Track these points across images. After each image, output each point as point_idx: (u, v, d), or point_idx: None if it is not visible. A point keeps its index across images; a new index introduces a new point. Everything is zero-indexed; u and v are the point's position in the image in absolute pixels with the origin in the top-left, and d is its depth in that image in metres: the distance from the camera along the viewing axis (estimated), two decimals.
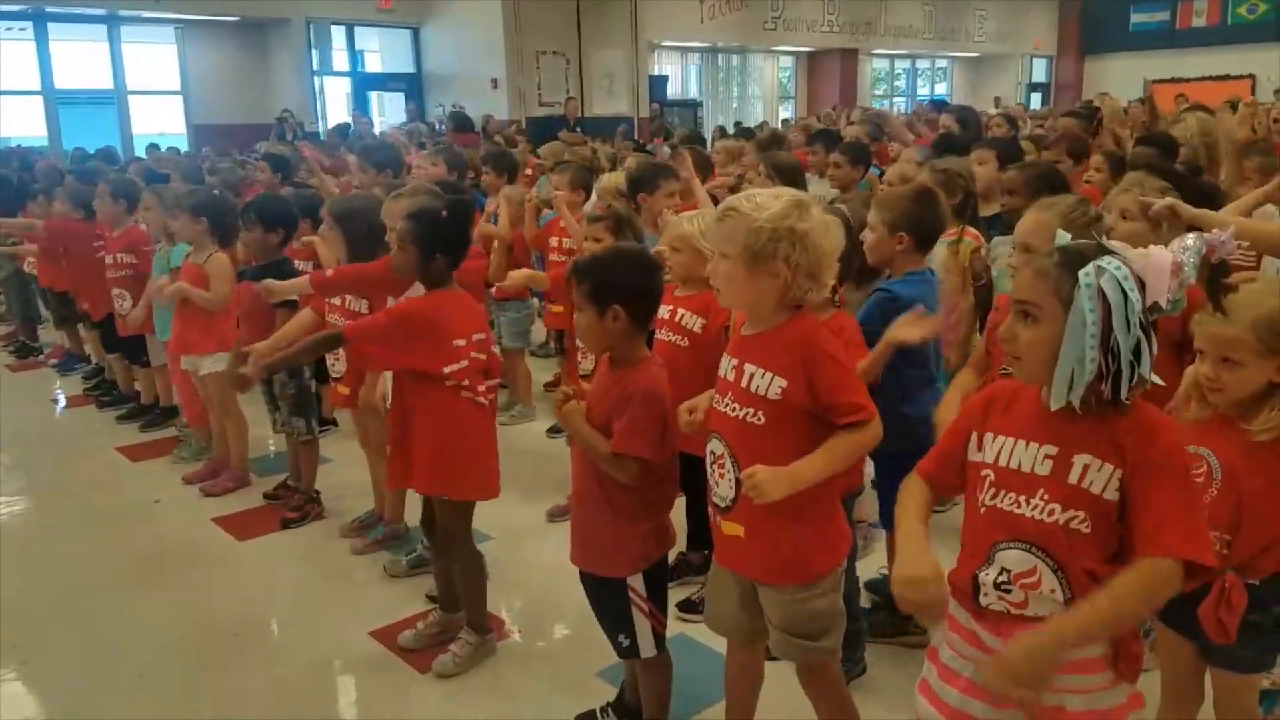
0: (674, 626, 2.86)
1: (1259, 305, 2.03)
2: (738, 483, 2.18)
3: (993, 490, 1.80)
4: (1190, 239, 1.75)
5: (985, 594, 1.80)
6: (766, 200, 2.11)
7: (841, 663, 2.81)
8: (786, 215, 2.07)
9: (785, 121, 16.13)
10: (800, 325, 2.15)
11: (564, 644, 3.40)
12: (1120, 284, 1.63)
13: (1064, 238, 1.81)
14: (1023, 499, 1.75)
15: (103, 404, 6.29)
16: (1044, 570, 1.73)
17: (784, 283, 2.09)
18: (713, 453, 2.26)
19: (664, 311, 3.35)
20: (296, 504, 4.44)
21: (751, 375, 2.16)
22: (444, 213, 3.08)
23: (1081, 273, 1.65)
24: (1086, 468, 1.69)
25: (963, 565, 1.86)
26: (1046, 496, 1.72)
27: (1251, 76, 21.11)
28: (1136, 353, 1.64)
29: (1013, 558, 1.76)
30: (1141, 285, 1.65)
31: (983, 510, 1.81)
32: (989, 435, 1.83)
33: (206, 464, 5.01)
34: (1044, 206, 2.73)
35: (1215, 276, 1.92)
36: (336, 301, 3.95)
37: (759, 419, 2.15)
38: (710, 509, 2.32)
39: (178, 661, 3.37)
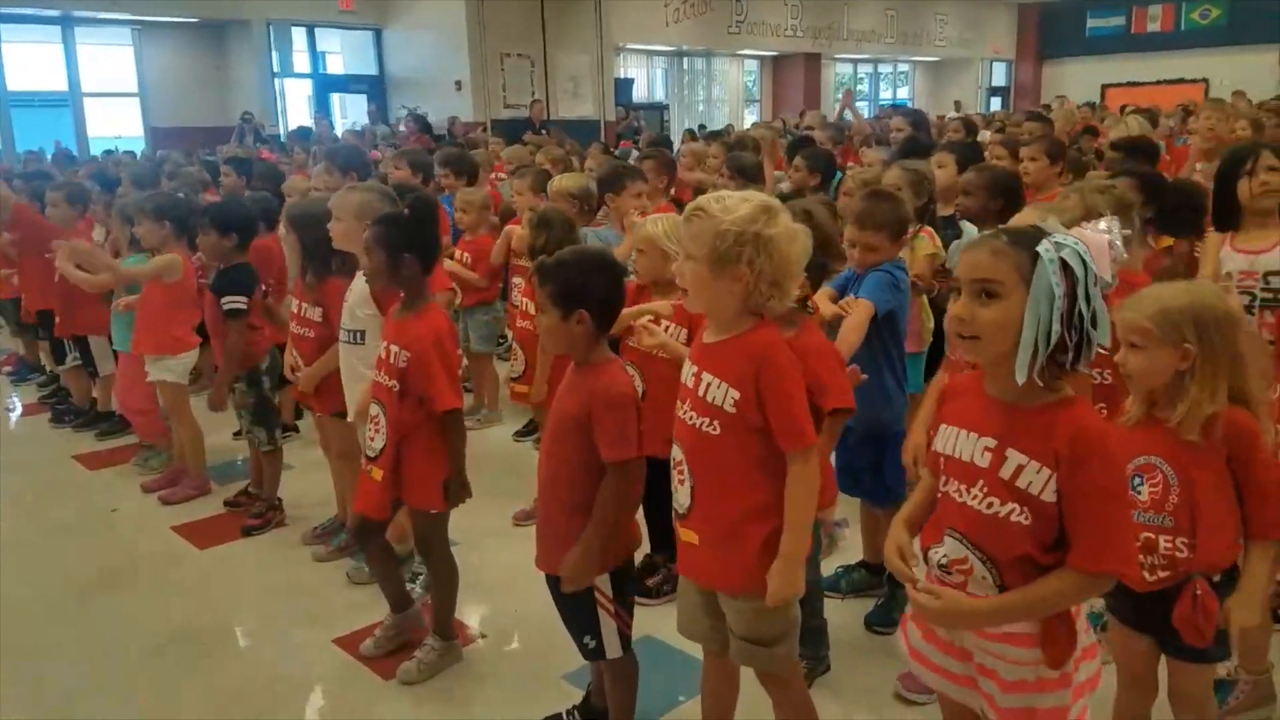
0: (640, 628, 2.86)
1: (1160, 298, 2.13)
2: (692, 491, 2.21)
3: (945, 477, 1.89)
4: (1103, 222, 1.82)
5: (937, 572, 1.90)
6: (735, 203, 2.09)
7: (805, 660, 2.84)
8: (754, 219, 2.06)
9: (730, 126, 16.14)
10: (759, 336, 2.13)
11: (530, 647, 3.38)
12: (1081, 256, 1.69)
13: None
14: (964, 488, 1.84)
15: (57, 412, 6.17)
16: (974, 560, 1.83)
17: (746, 287, 2.08)
18: (674, 458, 2.27)
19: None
20: (258, 511, 4.39)
21: (709, 385, 2.15)
22: (406, 211, 3.06)
23: (1041, 248, 1.69)
24: (1021, 468, 1.76)
25: (925, 536, 1.96)
26: (985, 489, 1.80)
27: (1205, 80, 21.54)
28: (1095, 323, 1.71)
29: (951, 545, 1.87)
30: None
31: (940, 495, 1.91)
32: (942, 425, 1.92)
33: (166, 472, 4.94)
34: (1042, 209, 2.75)
35: None
36: (293, 309, 3.92)
37: (714, 429, 2.15)
38: (673, 514, 2.33)
39: (135, 672, 3.32)
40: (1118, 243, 1.75)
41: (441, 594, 3.24)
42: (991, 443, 1.79)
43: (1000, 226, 1.84)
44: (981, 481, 1.80)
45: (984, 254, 1.76)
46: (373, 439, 3.10)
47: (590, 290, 2.43)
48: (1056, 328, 1.68)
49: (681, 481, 2.24)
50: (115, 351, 5.25)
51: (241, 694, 3.17)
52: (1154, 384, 2.14)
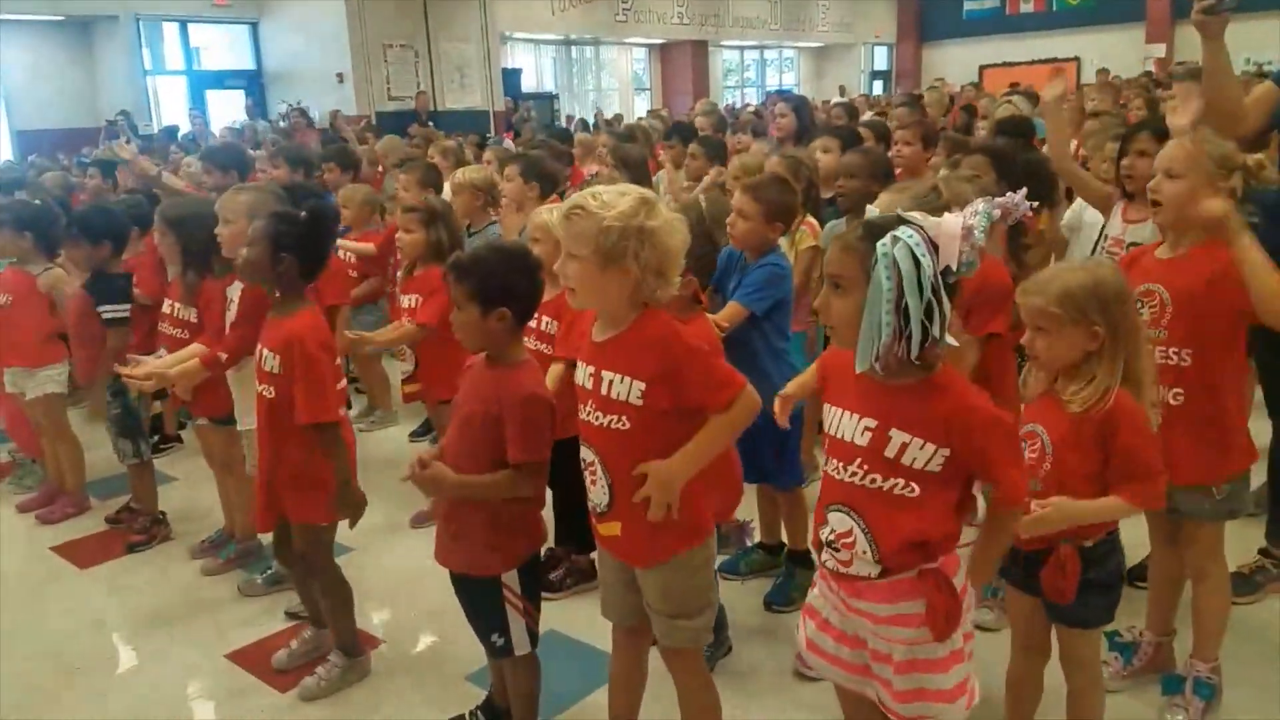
0: (545, 622, 2.83)
1: (1060, 279, 2.18)
2: (610, 487, 2.20)
3: (825, 457, 1.97)
4: (980, 204, 1.85)
5: (824, 552, 1.97)
6: (614, 198, 2.09)
7: (706, 647, 2.86)
8: (635, 213, 2.06)
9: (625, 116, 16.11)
10: (651, 324, 2.14)
11: (431, 650, 3.34)
12: (912, 251, 1.75)
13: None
14: (842, 465, 1.92)
15: None
16: (857, 532, 1.90)
17: (634, 281, 2.09)
18: (585, 460, 2.27)
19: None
20: (141, 527, 4.22)
21: (610, 382, 2.15)
22: (304, 214, 2.97)
23: (879, 244, 1.77)
24: (905, 445, 1.84)
25: (814, 524, 2.03)
26: (866, 466, 1.88)
27: (1076, 59, 22.40)
28: (929, 315, 1.75)
29: (836, 519, 1.94)
30: (936, 250, 1.77)
31: (822, 475, 2.00)
32: (827, 405, 1.99)
33: (42, 490, 4.72)
34: (899, 189, 2.79)
35: (1014, 236, 2.05)
36: (165, 310, 3.81)
37: (624, 424, 2.14)
38: (590, 512, 2.32)
39: (13, 698, 3.15)
40: (978, 230, 1.79)
41: (336, 611, 3.14)
42: (872, 423, 1.87)
43: (864, 219, 1.91)
44: (860, 459, 1.88)
45: (836, 249, 1.89)
46: (258, 448, 3.02)
47: (511, 287, 2.40)
48: (888, 319, 1.75)
49: (594, 482, 2.24)
50: None
51: (130, 716, 3.05)
52: (1062, 365, 2.20)
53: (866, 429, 1.87)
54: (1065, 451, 2.17)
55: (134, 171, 5.99)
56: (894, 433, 1.84)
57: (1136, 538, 3.07)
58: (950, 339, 1.80)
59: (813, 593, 2.11)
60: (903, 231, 1.77)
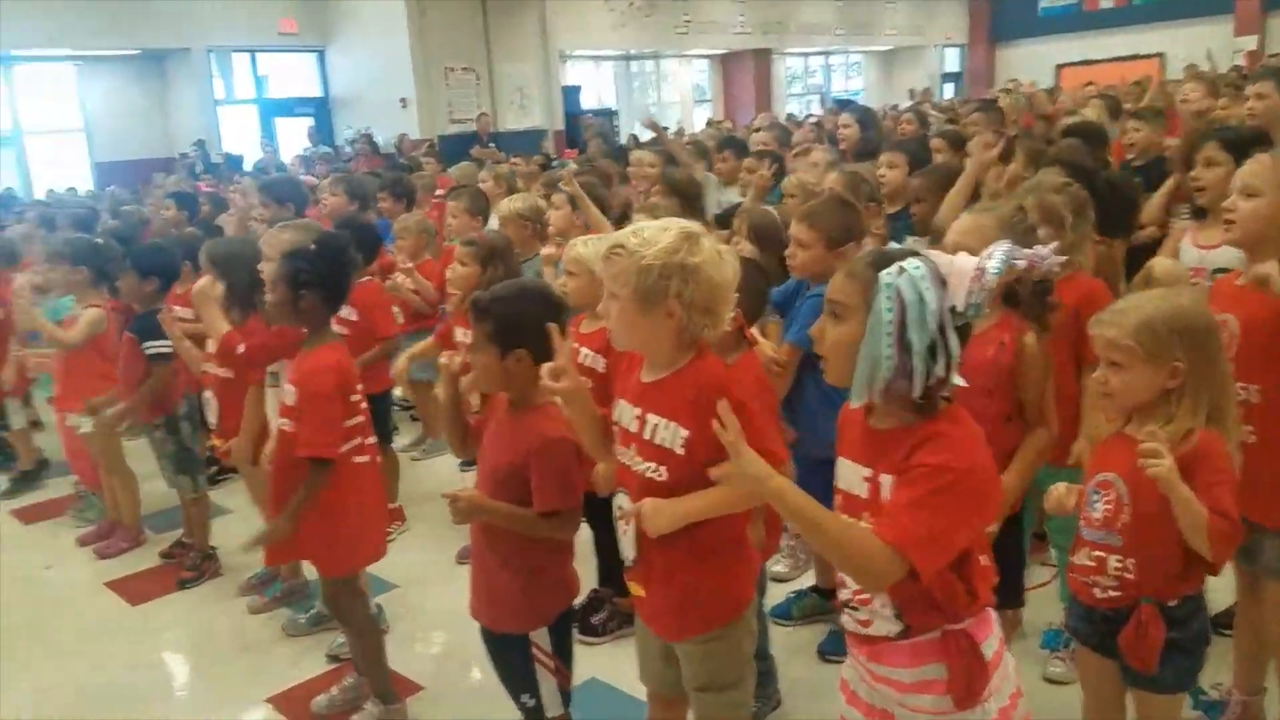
0: (585, 670, 2.72)
1: (1141, 310, 2.01)
2: (637, 540, 2.08)
3: (839, 513, 1.81)
4: (1002, 248, 1.70)
5: (844, 615, 1.85)
6: (654, 234, 1.96)
7: (755, 699, 2.72)
8: (676, 250, 1.93)
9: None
10: (704, 368, 2.01)
11: (472, 695, 3.22)
12: (916, 284, 1.62)
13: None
14: (854, 521, 1.75)
15: None
16: None
17: (679, 321, 1.96)
18: (620, 507, 2.14)
19: None
20: (192, 563, 4.23)
21: (655, 426, 2.03)
22: (313, 245, 2.93)
23: (883, 273, 1.64)
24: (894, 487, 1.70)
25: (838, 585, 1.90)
26: (870, 520, 1.71)
27: (1160, 55, 21.61)
28: (933, 352, 1.62)
29: None
30: (944, 286, 1.64)
31: None
32: (839, 459, 1.86)
33: (100, 524, 4.78)
34: (983, 209, 2.65)
35: (1040, 293, 1.88)
36: (210, 350, 3.77)
37: (661, 474, 2.01)
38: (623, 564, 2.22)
39: None
40: (991, 272, 1.64)
41: (368, 658, 3.08)
42: (868, 471, 1.74)
43: (879, 249, 1.78)
44: (866, 513, 1.73)
45: (840, 275, 1.77)
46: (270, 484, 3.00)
47: (529, 325, 2.28)
48: (889, 352, 1.62)
49: (624, 532, 2.12)
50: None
51: None
52: (1137, 403, 2.03)
53: (864, 478, 1.74)
54: (1146, 500, 1.98)
55: None
56: (883, 478, 1.70)
57: (1222, 581, 2.84)
58: (958, 379, 1.66)
59: (846, 663, 1.96)
60: (909, 263, 1.64)
